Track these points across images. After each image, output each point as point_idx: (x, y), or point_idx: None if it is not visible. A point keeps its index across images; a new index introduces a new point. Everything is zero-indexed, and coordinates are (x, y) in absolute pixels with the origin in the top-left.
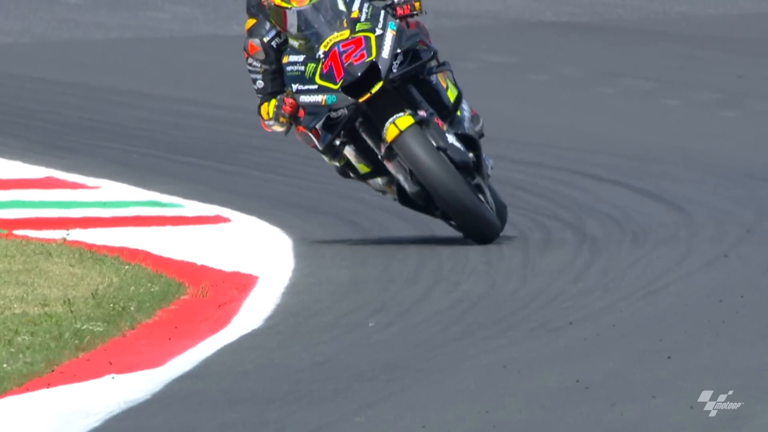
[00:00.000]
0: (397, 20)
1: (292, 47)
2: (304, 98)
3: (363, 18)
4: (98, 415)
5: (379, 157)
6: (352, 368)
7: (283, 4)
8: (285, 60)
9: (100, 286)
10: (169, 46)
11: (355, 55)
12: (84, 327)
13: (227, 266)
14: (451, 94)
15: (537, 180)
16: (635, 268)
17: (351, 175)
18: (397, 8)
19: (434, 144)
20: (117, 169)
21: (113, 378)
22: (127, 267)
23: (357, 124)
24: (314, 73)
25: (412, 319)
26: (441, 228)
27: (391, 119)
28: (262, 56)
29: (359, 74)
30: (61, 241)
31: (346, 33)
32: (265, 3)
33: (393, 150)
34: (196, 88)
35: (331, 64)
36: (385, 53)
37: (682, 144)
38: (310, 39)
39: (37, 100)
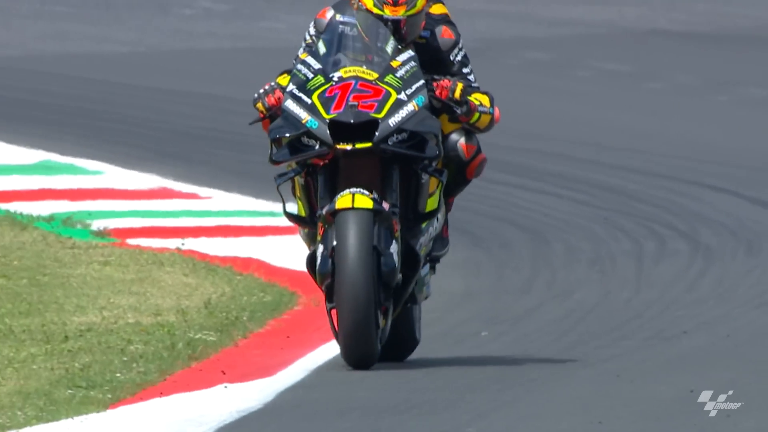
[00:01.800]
0: (428, 98)
1: (316, 49)
2: (291, 104)
3: (399, 73)
4: (210, 424)
5: (317, 213)
6: (465, 378)
7: (375, 10)
8: (302, 56)
9: (213, 296)
10: (283, 55)
11: (366, 102)
12: (197, 336)
13: None
14: (431, 204)
15: (651, 189)
16: (750, 277)
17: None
18: (435, 84)
19: (373, 242)
20: (230, 178)
21: (225, 387)
22: (239, 277)
23: (321, 165)
24: (316, 89)
25: (525, 328)
26: (554, 236)
27: (352, 189)
28: (322, 26)
29: (353, 121)
30: (175, 250)
31: (374, 75)
32: (355, 4)
33: (333, 219)
34: None
35: (338, 92)
36: (393, 121)
37: None
38: (340, 55)
39: (152, 110)
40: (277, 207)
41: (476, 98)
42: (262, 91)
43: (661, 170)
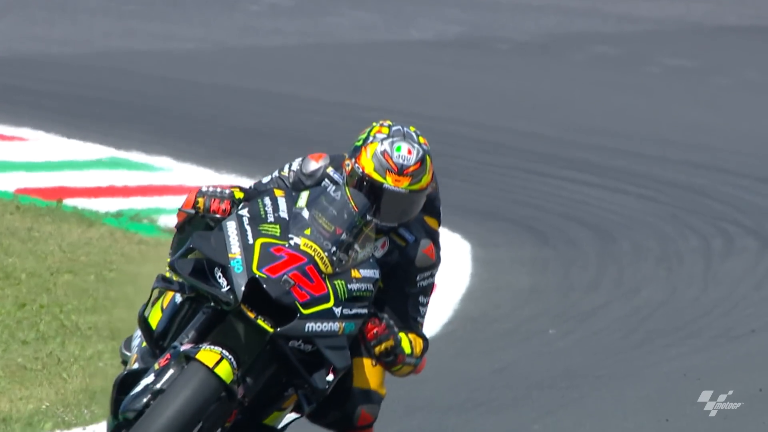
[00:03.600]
0: (357, 330)
1: (294, 196)
2: (232, 228)
3: (352, 286)
4: None
5: (175, 342)
6: (532, 376)
7: (375, 175)
8: (277, 192)
9: None
10: (348, 51)
11: (301, 289)
12: None
13: None
14: (273, 418)
15: (718, 185)
16: None
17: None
18: (370, 325)
19: (201, 416)
20: None
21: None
22: None
23: (215, 306)
24: (266, 235)
25: (592, 326)
26: (620, 233)
27: (224, 351)
28: (309, 170)
29: (274, 297)
30: None
31: (328, 269)
32: (349, 166)
33: (184, 362)
34: (375, 93)
35: (284, 257)
36: (309, 326)
37: None
38: (311, 213)
39: (217, 107)
40: None
41: (410, 341)
42: (211, 189)
43: (729, 166)
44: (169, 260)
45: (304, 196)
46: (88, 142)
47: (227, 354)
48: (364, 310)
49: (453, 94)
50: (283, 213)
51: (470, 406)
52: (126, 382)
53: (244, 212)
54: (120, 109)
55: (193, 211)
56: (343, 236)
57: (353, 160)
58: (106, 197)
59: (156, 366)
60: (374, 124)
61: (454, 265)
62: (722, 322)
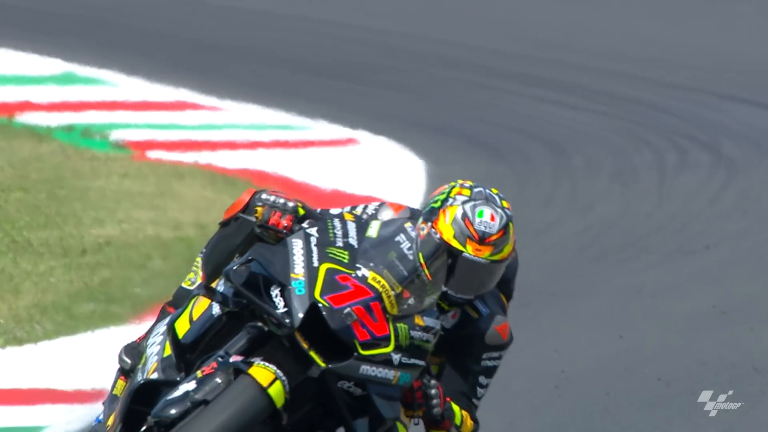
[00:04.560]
0: (411, 382)
1: (366, 224)
2: (298, 247)
3: (414, 333)
4: None
5: (221, 353)
6: None
7: (454, 242)
8: (347, 216)
9: None
10: None
11: (363, 326)
12: None
13: (358, 190)
14: None
15: (673, 100)
16: None
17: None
18: (421, 383)
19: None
20: (247, 90)
21: None
22: None
23: (264, 328)
24: (333, 260)
25: (546, 242)
26: (575, 149)
27: (278, 372)
28: (386, 216)
29: (333, 329)
30: (194, 164)
31: (394, 311)
32: (425, 230)
33: (232, 375)
34: (327, 7)
35: (349, 287)
36: (364, 369)
37: None
38: (380, 255)
39: (169, 21)
40: (294, 120)
41: (462, 416)
42: (272, 198)
43: (683, 81)
44: (199, 258)
45: (375, 226)
46: (41, 56)
47: (281, 375)
48: (423, 362)
49: (406, 8)
50: (353, 240)
51: None
52: (143, 392)
53: (312, 231)
54: (71, 22)
55: (253, 219)
56: (411, 300)
57: (429, 224)
58: (58, 112)
59: (198, 374)
60: (453, 183)
61: (407, 184)
62: (676, 238)
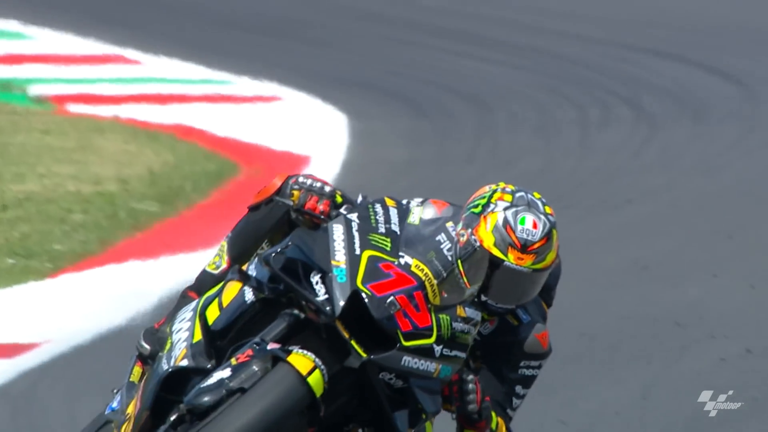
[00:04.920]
0: (452, 373)
1: (407, 210)
2: (338, 232)
3: (456, 326)
4: (152, 296)
5: (257, 339)
6: None
7: (495, 251)
8: (388, 201)
9: (155, 164)
10: None
11: (406, 316)
12: (138, 206)
13: (280, 145)
14: None
15: (594, 55)
16: (695, 144)
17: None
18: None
19: None
20: (169, 45)
21: (167, 258)
22: (181, 145)
23: (300, 315)
24: (375, 248)
25: (467, 198)
26: (497, 104)
27: (317, 360)
28: (430, 214)
29: (376, 319)
30: (114, 118)
31: (436, 300)
32: (464, 236)
33: (269, 363)
34: None
35: (392, 275)
36: (405, 361)
37: (744, 17)
38: (422, 245)
39: None
40: (217, 75)
41: (497, 423)
42: (309, 182)
43: (604, 36)
44: (225, 242)
45: (417, 212)
46: None
47: (320, 363)
48: (463, 355)
49: None
50: (395, 226)
51: None
52: (171, 380)
53: (353, 217)
54: None
55: (289, 203)
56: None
57: (470, 231)
58: None
59: (233, 361)
60: (495, 187)
61: (330, 139)
62: (598, 193)
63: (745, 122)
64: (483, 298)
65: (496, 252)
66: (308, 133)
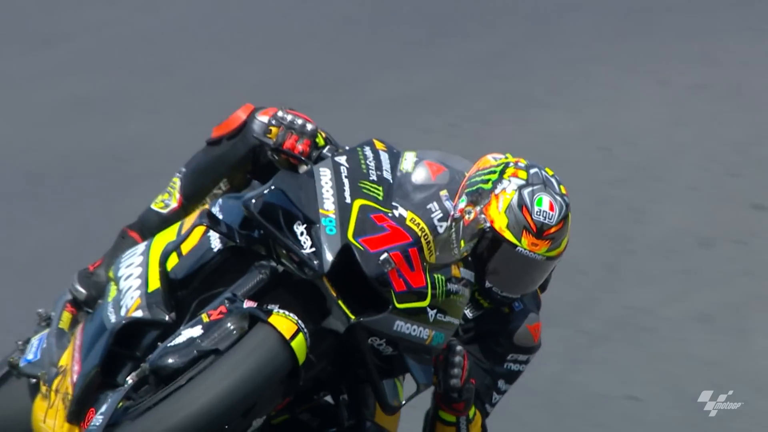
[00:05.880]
0: (444, 341)
1: (400, 162)
2: (325, 176)
3: (450, 287)
4: None
5: (231, 294)
6: None
7: (507, 234)
8: (378, 145)
9: None
10: None
11: (400, 275)
12: None
13: None
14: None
15: None
16: None
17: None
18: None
19: (251, 401)
20: None
21: None
22: None
23: (277, 269)
24: (366, 196)
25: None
26: None
27: (300, 323)
28: (436, 180)
29: (369, 276)
30: None
31: (432, 258)
32: (472, 213)
33: (252, 320)
34: None
35: (386, 229)
36: (398, 325)
37: None
38: (423, 200)
39: None
40: None
41: (474, 411)
42: (289, 117)
43: None
44: (177, 179)
45: (410, 158)
46: None
47: (303, 327)
48: (457, 321)
49: None
50: (387, 173)
51: None
52: (125, 333)
53: (342, 160)
54: None
55: (268, 141)
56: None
57: (479, 209)
58: None
59: (204, 317)
60: (504, 160)
61: None
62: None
63: None
64: (487, 284)
65: (508, 235)
66: None
